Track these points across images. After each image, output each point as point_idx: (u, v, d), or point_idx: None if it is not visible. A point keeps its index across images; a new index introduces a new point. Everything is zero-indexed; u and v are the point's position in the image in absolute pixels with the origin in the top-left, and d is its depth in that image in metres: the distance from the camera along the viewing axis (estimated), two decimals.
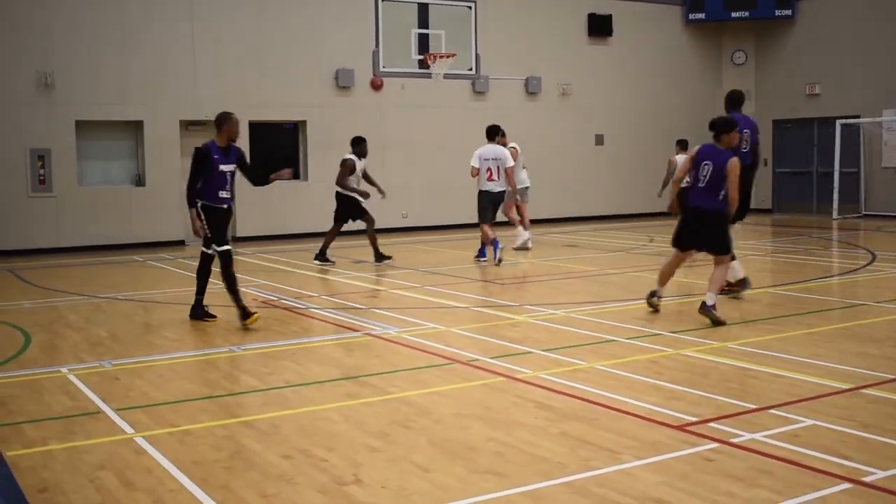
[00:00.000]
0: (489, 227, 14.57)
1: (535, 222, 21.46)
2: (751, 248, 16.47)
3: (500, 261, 14.30)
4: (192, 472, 5.13)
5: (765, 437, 5.46)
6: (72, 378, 7.51)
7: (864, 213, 23.06)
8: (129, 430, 6.00)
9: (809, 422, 5.74)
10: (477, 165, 14.57)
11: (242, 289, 12.60)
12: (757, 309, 10.26)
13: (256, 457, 5.40)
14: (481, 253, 15.19)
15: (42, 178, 17.97)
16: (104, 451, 5.59)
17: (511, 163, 14.77)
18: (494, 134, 14.92)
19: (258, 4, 19.76)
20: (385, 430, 5.89)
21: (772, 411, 6.01)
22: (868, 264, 13.70)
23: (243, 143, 19.72)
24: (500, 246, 14.43)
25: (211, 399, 6.78)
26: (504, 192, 14.80)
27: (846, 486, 4.66)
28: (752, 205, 24.93)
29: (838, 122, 22.90)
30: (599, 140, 24.04)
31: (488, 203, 14.66)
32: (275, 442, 5.70)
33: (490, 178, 14.57)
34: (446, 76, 20.29)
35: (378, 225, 19.85)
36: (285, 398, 6.77)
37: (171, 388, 7.17)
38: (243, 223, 19.79)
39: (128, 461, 5.38)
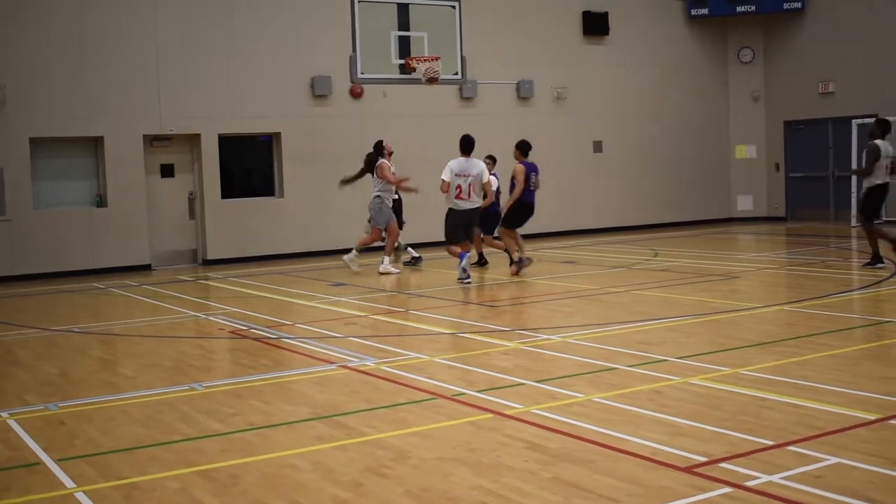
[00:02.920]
0: (457, 247, 14.60)
1: (530, 237, 21.24)
2: (764, 259, 16.23)
3: (460, 279, 14.37)
4: None
5: (784, 479, 5.17)
6: (12, 423, 7.20)
7: (885, 219, 22.81)
8: (69, 484, 5.70)
9: (833, 460, 5.45)
10: (447, 179, 14.44)
11: (210, 317, 12.36)
12: (772, 329, 9.99)
13: None
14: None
15: None
16: None
17: (488, 177, 14.59)
18: (471, 146, 14.63)
19: (226, 10, 19.51)
20: (357, 478, 5.59)
21: (791, 448, 5.72)
22: (892, 276, 13.42)
23: (212, 158, 19.49)
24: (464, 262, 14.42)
25: (165, 445, 6.47)
26: (478, 209, 14.63)
27: None
28: (765, 213, 25.08)
29: (854, 122, 22.63)
30: (598, 147, 23.81)
31: (457, 222, 14.55)
32: (232, 495, 5.40)
33: (459, 196, 14.42)
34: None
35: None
36: (248, 443, 6.47)
37: (122, 433, 6.86)
38: (212, 245, 19.49)
39: None
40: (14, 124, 17.73)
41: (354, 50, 20.40)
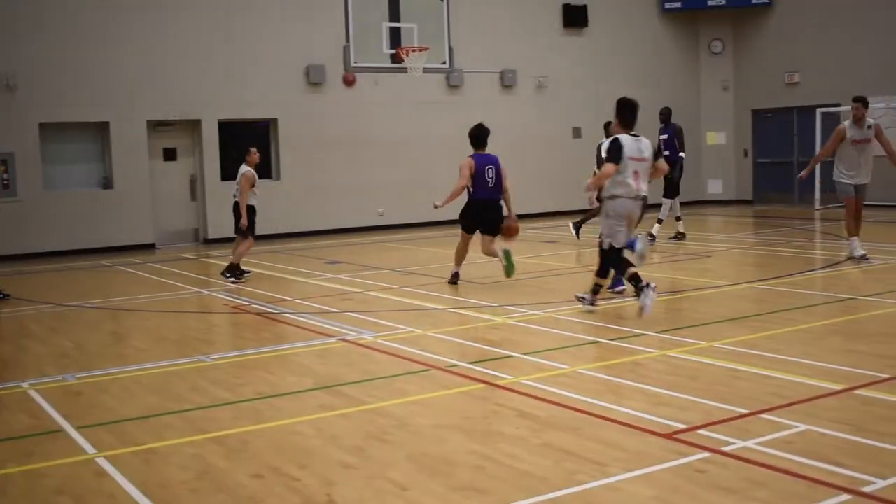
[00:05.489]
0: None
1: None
2: (733, 240, 16.35)
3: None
4: (157, 496, 4.90)
5: (757, 444, 5.28)
6: (33, 394, 7.25)
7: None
8: (90, 450, 5.76)
9: (803, 427, 5.56)
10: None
11: (213, 294, 12.40)
12: (743, 305, 10.11)
13: (225, 477, 5.18)
14: None
15: (6, 182, 17.62)
16: (63, 473, 5.35)
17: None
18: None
19: (227, 1, 19.44)
20: (360, 444, 5.67)
21: (763, 416, 5.83)
22: (861, 258, 13.53)
23: (212, 142, 19.47)
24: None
25: (178, 414, 6.53)
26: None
27: (845, 497, 4.47)
28: (734, 196, 25.22)
29: (819, 111, 22.79)
30: (577, 133, 23.85)
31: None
32: (245, 459, 5.47)
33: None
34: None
35: (352, 223, 19.69)
36: (257, 411, 6.54)
37: (137, 402, 6.92)
38: (213, 224, 19.48)
39: (88, 485, 5.14)
40: (24, 110, 17.66)
41: (348, 40, 20.34)
